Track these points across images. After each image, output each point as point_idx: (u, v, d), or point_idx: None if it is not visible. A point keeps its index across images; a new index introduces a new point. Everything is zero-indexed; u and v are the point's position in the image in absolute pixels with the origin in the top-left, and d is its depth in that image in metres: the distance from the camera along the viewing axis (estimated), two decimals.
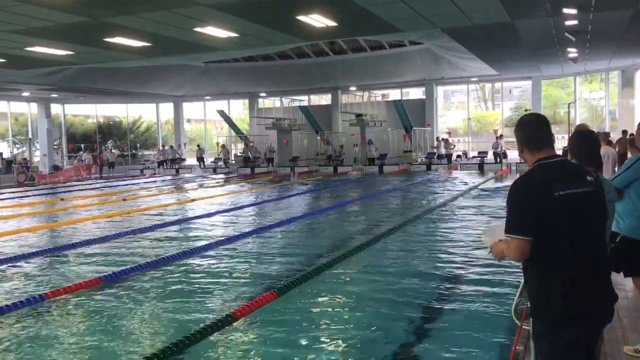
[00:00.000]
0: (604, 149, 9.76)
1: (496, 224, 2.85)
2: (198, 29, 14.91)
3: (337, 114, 32.92)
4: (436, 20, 14.97)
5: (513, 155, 28.76)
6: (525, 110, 33.05)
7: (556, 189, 2.53)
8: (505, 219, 2.64)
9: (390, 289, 6.67)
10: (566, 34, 16.67)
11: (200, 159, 34.18)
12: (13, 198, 20.02)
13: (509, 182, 19.39)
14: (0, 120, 37.48)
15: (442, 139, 29.80)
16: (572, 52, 20.80)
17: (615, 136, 21.30)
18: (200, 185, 23.52)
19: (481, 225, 10.71)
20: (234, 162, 33.67)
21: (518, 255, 2.57)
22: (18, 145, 36.29)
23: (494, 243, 2.80)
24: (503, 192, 16.52)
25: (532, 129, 2.74)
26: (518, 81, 33.76)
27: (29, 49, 17.02)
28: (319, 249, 9.18)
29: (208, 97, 36.80)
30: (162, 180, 27.35)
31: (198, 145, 35.58)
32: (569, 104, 28.02)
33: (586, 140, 3.64)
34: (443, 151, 29.56)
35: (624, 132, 20.34)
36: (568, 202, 2.52)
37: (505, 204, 2.70)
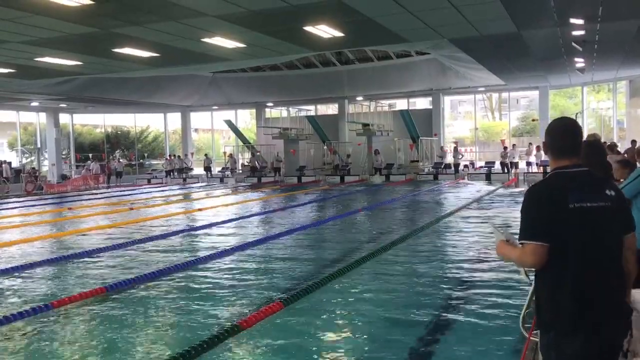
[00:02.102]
0: (611, 159, 9.70)
1: (508, 231, 2.77)
2: (206, 40, 15.00)
3: (343, 124, 32.98)
4: (443, 30, 15.01)
5: (522, 164, 28.72)
6: (533, 120, 33.05)
7: (570, 200, 2.48)
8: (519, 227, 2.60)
9: (397, 299, 6.65)
10: (573, 44, 16.67)
11: (208, 169, 34.28)
12: (21, 207, 20.13)
13: (515, 192, 19.36)
14: (9, 130, 37.80)
15: (453, 147, 29.79)
16: (580, 62, 20.77)
17: (623, 147, 21.20)
18: (207, 195, 23.57)
19: (487, 235, 10.65)
20: (241, 171, 33.76)
21: (534, 259, 2.50)
22: (27, 155, 36.55)
23: (500, 241, 2.77)
24: (510, 201, 16.47)
25: (557, 135, 2.67)
26: (525, 91, 33.72)
27: (38, 59, 17.19)
28: (325, 259, 9.17)
29: (215, 107, 36.98)
30: (169, 190, 27.43)
31: (206, 155, 35.69)
32: (577, 114, 27.93)
33: (591, 148, 3.62)
34: (450, 160, 29.55)
35: (633, 142, 20.23)
36: (580, 215, 2.48)
37: (518, 213, 2.66)
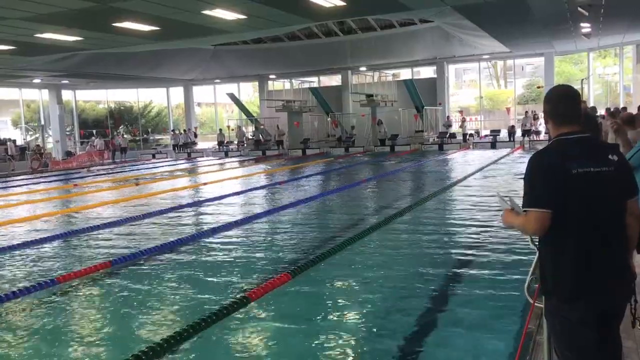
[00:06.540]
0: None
1: (514, 200, 2.77)
2: (206, 12, 14.82)
3: (347, 95, 32.74)
4: None
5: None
6: (538, 87, 32.74)
7: (573, 166, 2.48)
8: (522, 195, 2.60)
9: (403, 269, 6.69)
10: (579, 8, 16.38)
11: (221, 143, 34.19)
12: (28, 185, 20.21)
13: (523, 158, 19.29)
14: (13, 108, 37.74)
15: (461, 119, 29.67)
16: (585, 27, 20.44)
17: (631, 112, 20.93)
18: (212, 168, 23.60)
19: (492, 203, 10.65)
20: (245, 145, 33.71)
21: (537, 226, 2.51)
22: (31, 132, 36.55)
23: (505, 210, 2.78)
24: (515, 169, 16.42)
25: (557, 102, 2.67)
26: (530, 58, 33.32)
27: (38, 35, 17.04)
28: (331, 230, 9.21)
29: (218, 81, 36.74)
30: (175, 164, 27.47)
31: (220, 130, 35.42)
32: (582, 80, 27.61)
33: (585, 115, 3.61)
34: (455, 130, 29.44)
35: None
36: (584, 180, 2.48)
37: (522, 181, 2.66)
